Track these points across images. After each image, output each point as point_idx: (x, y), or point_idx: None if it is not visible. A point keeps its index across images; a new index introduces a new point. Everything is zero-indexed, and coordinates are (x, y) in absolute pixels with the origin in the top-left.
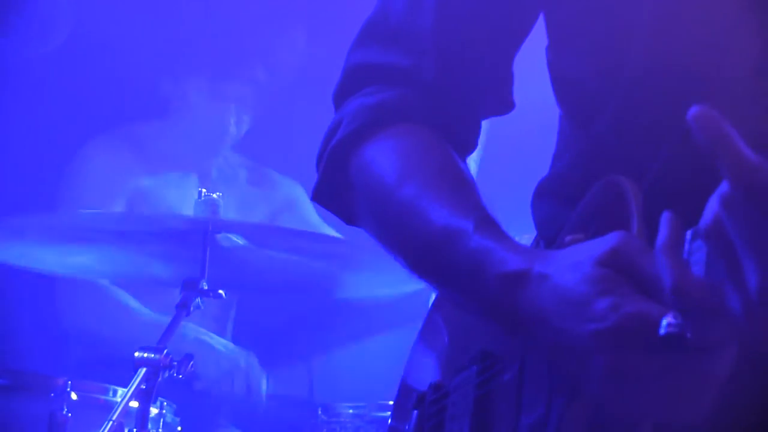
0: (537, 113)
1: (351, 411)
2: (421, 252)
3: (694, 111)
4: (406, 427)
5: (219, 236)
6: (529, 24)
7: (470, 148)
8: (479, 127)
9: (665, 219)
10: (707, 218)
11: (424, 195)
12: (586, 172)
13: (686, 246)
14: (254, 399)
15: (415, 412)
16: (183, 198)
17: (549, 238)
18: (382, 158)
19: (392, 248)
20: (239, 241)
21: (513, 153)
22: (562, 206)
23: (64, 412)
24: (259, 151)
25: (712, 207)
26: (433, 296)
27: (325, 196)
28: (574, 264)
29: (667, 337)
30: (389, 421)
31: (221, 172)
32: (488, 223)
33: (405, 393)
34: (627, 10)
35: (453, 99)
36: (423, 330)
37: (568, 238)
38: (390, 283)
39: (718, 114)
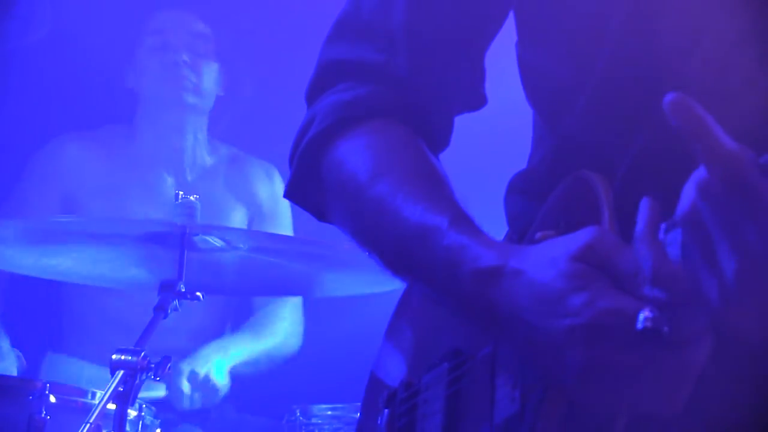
0: (519, 110)
1: (329, 413)
2: (396, 249)
3: (670, 98)
4: (378, 422)
5: (196, 238)
6: (500, 19)
7: (443, 144)
8: (452, 123)
9: (645, 205)
10: (684, 206)
11: (398, 192)
12: (557, 167)
13: (660, 238)
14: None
15: (386, 410)
16: (155, 198)
17: (520, 233)
18: (356, 155)
19: (367, 245)
20: (217, 243)
21: (492, 150)
22: (532, 202)
23: (43, 415)
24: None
25: (688, 194)
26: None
27: (298, 193)
28: (549, 260)
29: (644, 331)
30: (358, 415)
31: (197, 173)
32: (463, 219)
33: (374, 391)
34: (598, 4)
35: (425, 95)
36: (389, 329)
37: (538, 234)
38: (369, 283)
39: (693, 100)
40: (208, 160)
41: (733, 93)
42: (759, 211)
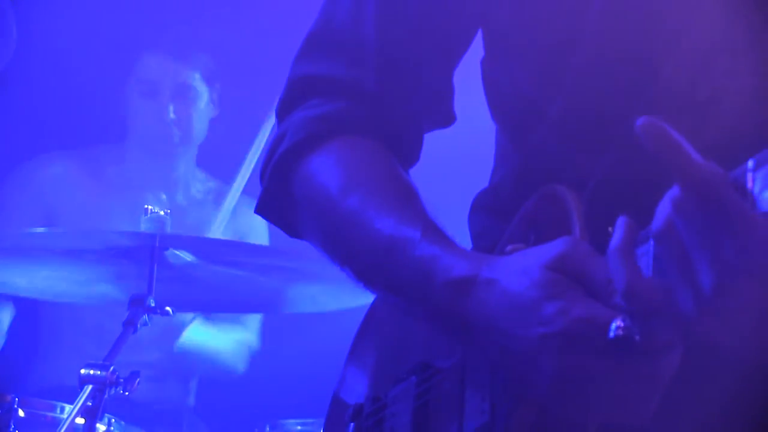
0: (477, 127)
1: (299, 428)
2: (368, 261)
3: (641, 122)
4: None
5: (167, 253)
6: (468, 37)
7: (412, 160)
8: (421, 139)
9: (621, 222)
10: (659, 221)
11: (369, 205)
12: (524, 184)
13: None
14: None
15: (352, 425)
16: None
17: (485, 250)
18: (327, 169)
19: (338, 259)
20: (188, 257)
21: (452, 167)
22: (497, 219)
23: (11, 429)
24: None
25: (663, 210)
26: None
27: (268, 208)
28: (522, 269)
29: (616, 340)
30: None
31: (189, 201)
32: (434, 231)
33: (338, 408)
34: (568, 20)
35: (395, 112)
36: (354, 344)
37: (509, 247)
38: (340, 297)
39: (665, 123)
40: (198, 192)
41: (702, 106)
42: (734, 227)
